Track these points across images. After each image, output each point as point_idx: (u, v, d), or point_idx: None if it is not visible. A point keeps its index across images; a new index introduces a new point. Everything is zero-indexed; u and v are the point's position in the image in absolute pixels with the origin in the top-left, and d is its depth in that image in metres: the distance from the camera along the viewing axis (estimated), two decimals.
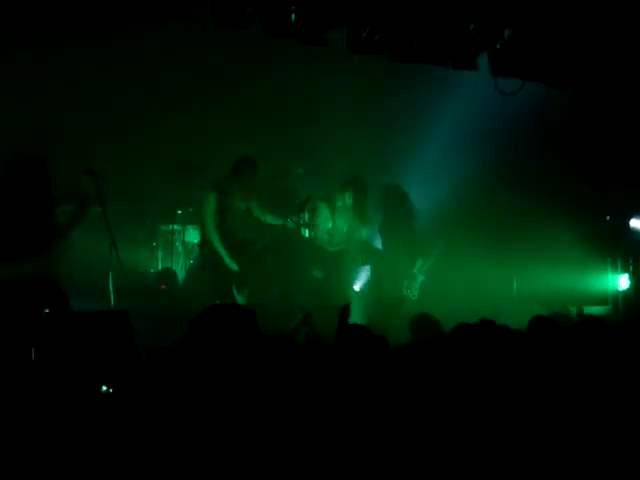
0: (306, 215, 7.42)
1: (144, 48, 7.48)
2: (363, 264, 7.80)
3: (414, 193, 7.89)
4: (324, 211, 7.50)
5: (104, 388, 3.47)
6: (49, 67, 7.27)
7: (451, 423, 2.67)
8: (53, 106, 7.16)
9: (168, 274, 7.71)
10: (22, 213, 4.66)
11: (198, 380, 2.44)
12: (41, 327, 4.14)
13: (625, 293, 8.70)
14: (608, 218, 8.93)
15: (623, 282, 8.72)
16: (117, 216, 5.93)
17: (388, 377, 2.91)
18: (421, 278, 7.67)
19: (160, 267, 8.05)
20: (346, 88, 7.95)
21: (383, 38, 6.66)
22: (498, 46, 7.00)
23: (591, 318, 3.87)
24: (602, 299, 8.68)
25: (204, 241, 6.81)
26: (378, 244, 7.85)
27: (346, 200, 7.51)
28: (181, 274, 7.78)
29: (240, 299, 6.58)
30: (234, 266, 6.67)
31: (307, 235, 7.56)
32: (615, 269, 8.77)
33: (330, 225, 7.53)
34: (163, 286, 7.36)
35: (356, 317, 5.19)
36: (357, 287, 7.82)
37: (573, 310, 6.62)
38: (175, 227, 8.17)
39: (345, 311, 4.52)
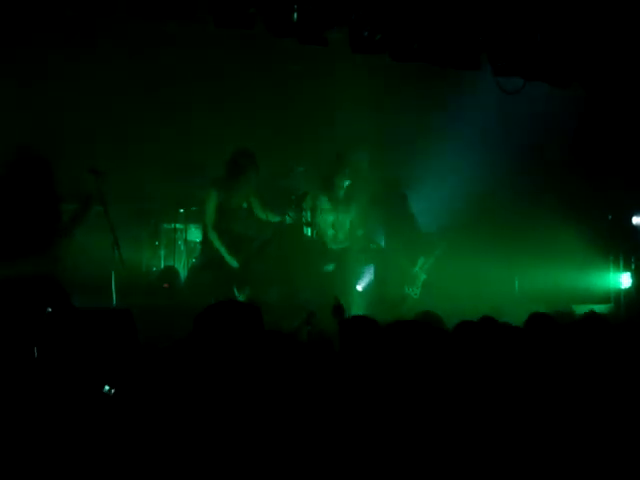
0: (308, 214, 7.42)
1: (144, 48, 7.48)
2: (366, 263, 7.80)
3: (415, 192, 7.90)
4: (325, 204, 7.47)
5: (107, 388, 3.46)
6: (49, 67, 7.26)
7: (453, 418, 2.67)
8: (53, 106, 7.15)
9: (170, 272, 7.72)
10: (25, 212, 4.68)
11: (204, 377, 2.43)
12: (44, 325, 4.13)
13: (627, 291, 8.71)
14: (610, 216, 8.94)
15: (625, 280, 8.74)
16: (119, 215, 5.95)
17: (392, 372, 2.91)
18: (423, 276, 7.68)
19: (162, 265, 8.07)
20: (346, 88, 7.95)
21: (384, 38, 6.68)
22: (499, 45, 7.02)
23: (593, 315, 3.87)
24: (604, 297, 8.70)
25: (206, 239, 6.82)
26: (380, 242, 7.85)
27: (344, 181, 7.45)
28: (183, 272, 7.78)
29: (241, 298, 6.59)
30: (234, 263, 6.68)
31: (310, 233, 7.56)
32: (617, 267, 8.79)
33: (332, 218, 7.50)
34: (165, 284, 7.36)
35: None
36: (360, 287, 7.83)
37: (575, 308, 6.62)
38: (177, 226, 8.19)
39: (337, 310, 4.54)
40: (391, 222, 7.79)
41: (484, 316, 3.52)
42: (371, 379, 2.81)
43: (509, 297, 8.05)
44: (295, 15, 6.25)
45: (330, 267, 7.43)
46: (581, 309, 6.95)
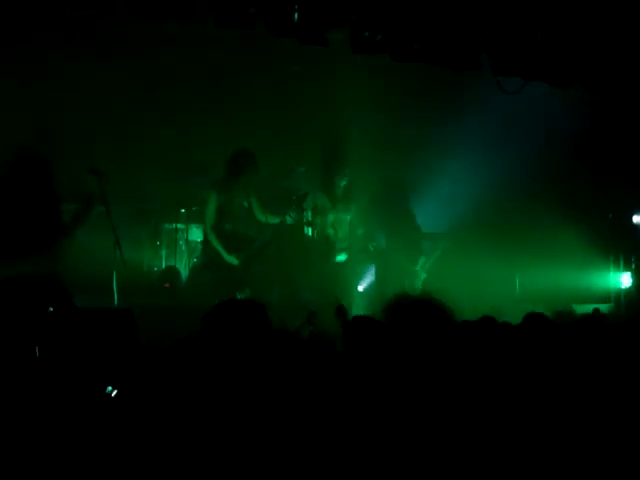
0: (309, 213, 7.42)
1: (144, 48, 7.48)
2: (367, 263, 7.81)
3: (415, 192, 7.91)
4: (326, 203, 7.47)
5: (109, 388, 3.46)
6: (49, 67, 7.26)
7: (454, 418, 2.67)
8: (53, 106, 7.15)
9: (172, 272, 7.72)
10: (27, 212, 4.68)
11: (208, 376, 2.43)
12: (45, 325, 4.13)
13: (627, 291, 8.73)
14: (610, 216, 8.95)
15: (625, 280, 8.75)
16: (120, 215, 5.95)
17: (394, 372, 2.91)
18: (423, 276, 7.69)
19: (164, 265, 8.06)
20: (347, 88, 7.95)
21: (385, 38, 6.68)
22: (499, 45, 7.03)
23: (596, 314, 3.88)
24: (604, 297, 8.71)
25: (207, 240, 6.82)
26: (381, 242, 7.85)
27: (343, 181, 7.47)
28: (185, 272, 7.78)
29: (242, 298, 6.58)
30: (234, 261, 6.70)
31: (311, 234, 7.56)
32: (617, 267, 8.81)
33: (332, 218, 7.51)
34: (167, 284, 7.36)
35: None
36: (361, 288, 7.83)
37: (575, 308, 6.62)
38: (179, 226, 8.18)
39: (340, 311, 4.55)
40: (391, 222, 7.80)
41: (483, 316, 3.53)
42: (374, 378, 2.81)
43: (509, 297, 8.07)
44: (296, 15, 6.25)
45: (342, 257, 7.44)
46: (581, 309, 6.98)
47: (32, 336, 4.03)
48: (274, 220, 7.10)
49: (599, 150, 8.75)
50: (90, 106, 7.41)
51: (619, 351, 3.38)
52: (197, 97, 8.01)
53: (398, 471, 2.44)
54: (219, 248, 6.67)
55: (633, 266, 8.72)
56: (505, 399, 2.87)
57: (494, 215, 8.43)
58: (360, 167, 7.81)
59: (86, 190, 5.20)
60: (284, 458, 2.29)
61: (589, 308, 7.55)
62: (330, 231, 7.49)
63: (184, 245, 8.18)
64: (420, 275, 7.67)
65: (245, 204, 6.91)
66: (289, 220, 7.12)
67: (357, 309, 6.87)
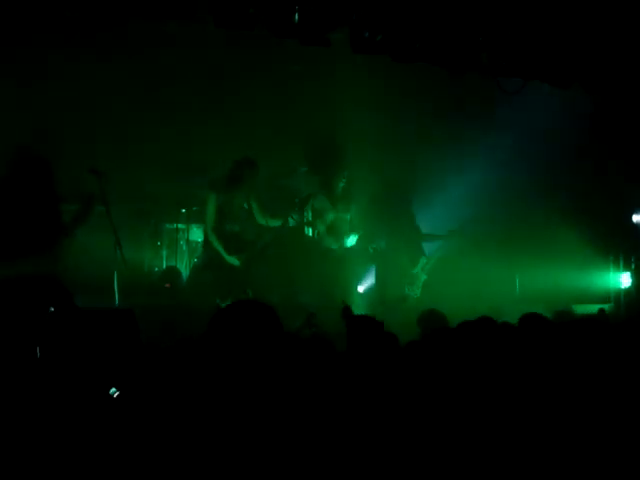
0: (309, 214, 7.42)
1: (144, 48, 7.47)
2: (367, 264, 7.81)
3: (416, 192, 7.91)
4: (326, 204, 7.47)
5: (113, 389, 3.46)
6: (49, 67, 7.25)
7: (454, 417, 2.68)
8: (53, 106, 7.14)
9: (172, 272, 7.73)
10: (27, 212, 4.67)
11: (212, 376, 2.42)
12: (46, 325, 4.13)
13: (627, 291, 8.73)
14: (610, 215, 8.95)
15: (625, 280, 8.75)
16: (120, 215, 5.94)
17: (397, 372, 2.92)
18: (424, 277, 7.69)
19: (164, 265, 8.08)
20: (347, 88, 7.95)
21: (385, 38, 6.68)
22: (499, 45, 7.03)
23: (599, 315, 3.88)
24: (604, 297, 8.71)
25: (208, 240, 6.83)
26: (381, 243, 7.85)
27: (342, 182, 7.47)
28: (185, 272, 7.80)
29: (244, 298, 6.58)
30: (235, 261, 6.70)
31: (311, 234, 7.56)
32: (617, 267, 8.81)
33: (332, 217, 7.50)
34: (167, 284, 7.37)
35: None
36: (361, 289, 7.83)
37: (575, 308, 6.63)
38: (179, 226, 8.20)
39: (346, 312, 4.55)
40: (391, 222, 7.80)
41: (482, 316, 3.53)
42: (377, 377, 2.82)
43: (509, 297, 8.07)
44: (296, 16, 6.25)
45: (353, 239, 7.47)
46: (581, 309, 6.99)
47: (33, 336, 4.03)
48: (275, 223, 7.11)
49: (599, 150, 8.75)
50: (90, 106, 7.41)
51: (619, 351, 3.38)
52: (197, 97, 8.00)
53: (399, 470, 2.44)
54: (220, 249, 6.68)
55: (633, 266, 8.72)
56: (504, 398, 2.87)
57: (494, 215, 8.43)
58: (360, 167, 7.81)
59: (86, 190, 5.20)
60: (285, 458, 2.29)
61: (589, 308, 7.57)
62: (330, 231, 7.51)
63: (185, 245, 8.19)
64: (420, 276, 7.67)
65: (245, 205, 6.92)
66: (291, 222, 7.12)
67: (357, 309, 6.86)
